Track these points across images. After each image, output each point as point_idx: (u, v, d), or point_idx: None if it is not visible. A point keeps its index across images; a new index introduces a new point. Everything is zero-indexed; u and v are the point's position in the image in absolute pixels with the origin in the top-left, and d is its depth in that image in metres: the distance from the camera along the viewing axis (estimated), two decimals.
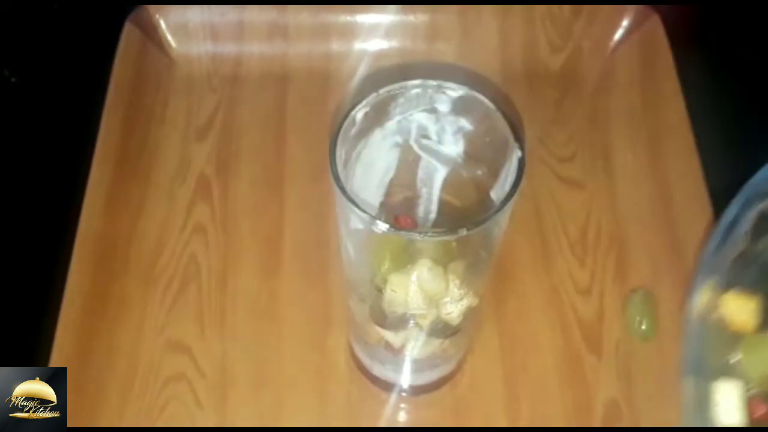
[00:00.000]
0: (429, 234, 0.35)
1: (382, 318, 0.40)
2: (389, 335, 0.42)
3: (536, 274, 0.53)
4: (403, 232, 0.34)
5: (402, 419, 0.49)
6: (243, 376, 0.49)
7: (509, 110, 0.35)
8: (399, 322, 0.40)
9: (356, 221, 0.34)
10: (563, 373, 0.49)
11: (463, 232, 0.33)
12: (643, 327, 0.50)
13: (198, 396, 0.48)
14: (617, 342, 0.51)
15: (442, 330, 0.40)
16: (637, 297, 0.51)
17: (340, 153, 0.36)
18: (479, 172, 0.39)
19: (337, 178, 0.34)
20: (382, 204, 0.41)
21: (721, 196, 0.56)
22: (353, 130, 0.37)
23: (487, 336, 0.51)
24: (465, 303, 0.38)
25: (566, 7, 0.64)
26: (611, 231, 0.55)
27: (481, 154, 0.39)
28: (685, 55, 0.61)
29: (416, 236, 0.34)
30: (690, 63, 0.61)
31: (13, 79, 0.62)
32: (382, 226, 0.33)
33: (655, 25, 0.62)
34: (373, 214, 0.33)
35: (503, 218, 0.35)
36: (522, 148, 0.35)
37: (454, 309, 0.38)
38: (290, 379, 0.49)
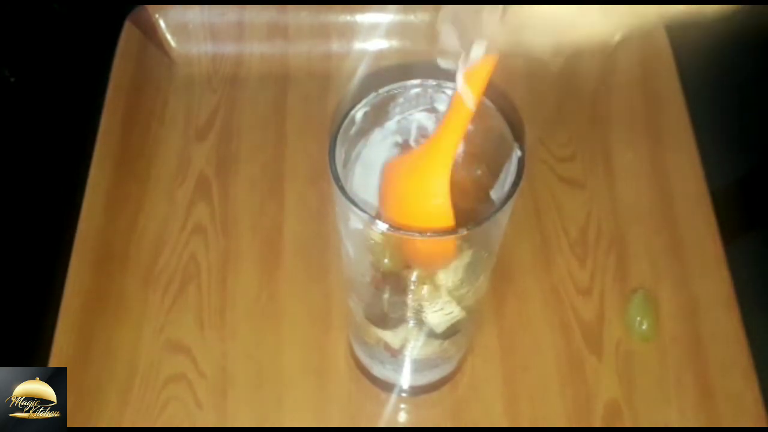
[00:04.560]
0: (429, 234, 0.35)
1: (380, 318, 0.40)
2: (388, 335, 0.42)
3: (536, 274, 0.53)
4: (402, 232, 0.34)
5: (402, 419, 0.49)
6: (243, 376, 0.49)
7: (509, 110, 0.35)
8: (398, 322, 0.40)
9: (356, 221, 0.34)
10: (563, 373, 0.49)
11: (463, 232, 0.33)
12: (644, 327, 0.50)
13: (198, 396, 0.48)
14: (617, 342, 0.51)
15: (435, 327, 0.40)
16: (638, 297, 0.51)
17: (340, 153, 0.36)
18: (479, 172, 0.39)
19: (337, 178, 0.34)
20: None
21: (721, 196, 0.57)
22: (353, 130, 0.37)
23: (487, 336, 0.51)
24: (454, 313, 0.38)
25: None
26: (611, 231, 0.55)
27: (481, 154, 0.39)
28: (685, 55, 0.61)
29: (416, 236, 0.34)
30: (690, 63, 0.61)
31: (12, 79, 0.62)
32: (382, 226, 0.33)
33: (656, 25, 0.62)
34: (373, 214, 0.33)
35: (503, 218, 0.35)
36: (522, 148, 0.35)
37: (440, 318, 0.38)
38: (290, 378, 0.49)
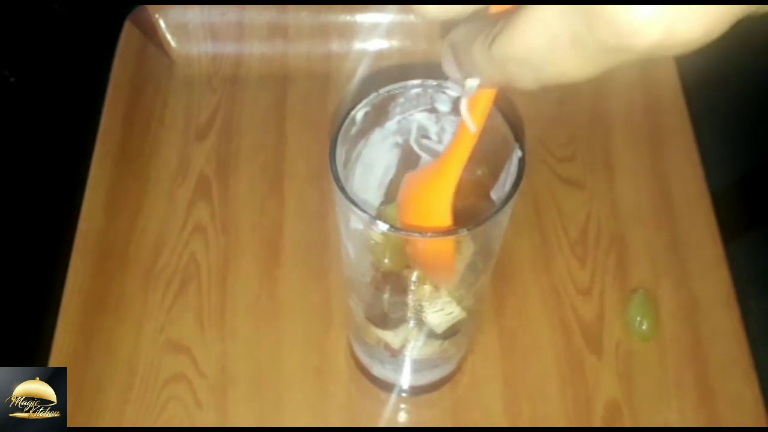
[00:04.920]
0: (429, 234, 0.35)
1: (380, 318, 0.40)
2: (388, 336, 0.42)
3: (536, 274, 0.53)
4: (403, 232, 0.34)
5: (402, 419, 0.49)
6: (243, 376, 0.49)
7: (509, 110, 0.35)
8: (398, 322, 0.40)
9: (356, 221, 0.34)
10: (563, 373, 0.49)
11: (463, 232, 0.33)
12: (644, 327, 0.50)
13: (198, 396, 0.48)
14: (617, 342, 0.51)
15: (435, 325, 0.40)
16: (637, 297, 0.51)
17: (340, 153, 0.36)
18: (479, 172, 0.39)
19: (337, 178, 0.34)
20: (382, 204, 0.41)
21: (721, 196, 0.57)
22: (353, 130, 0.37)
23: (487, 336, 0.51)
24: (454, 313, 0.38)
25: None
26: (611, 231, 0.55)
27: (481, 154, 0.39)
28: (685, 56, 0.61)
29: (416, 236, 0.34)
30: (690, 63, 0.61)
31: (12, 79, 0.62)
32: (382, 226, 0.33)
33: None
34: (373, 214, 0.33)
35: (503, 218, 0.35)
36: (522, 148, 0.35)
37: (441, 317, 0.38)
38: (290, 379, 0.49)
